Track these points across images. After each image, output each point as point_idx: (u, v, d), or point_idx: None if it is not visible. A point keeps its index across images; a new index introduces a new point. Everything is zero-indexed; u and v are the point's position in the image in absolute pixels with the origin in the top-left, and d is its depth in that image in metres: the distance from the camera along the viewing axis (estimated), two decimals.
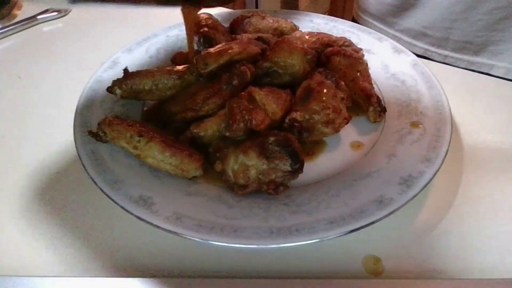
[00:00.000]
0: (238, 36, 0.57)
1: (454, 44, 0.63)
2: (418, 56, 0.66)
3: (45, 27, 0.76)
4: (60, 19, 0.78)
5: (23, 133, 0.55)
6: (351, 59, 0.52)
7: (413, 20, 0.65)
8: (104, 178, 0.42)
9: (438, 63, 0.61)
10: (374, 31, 0.63)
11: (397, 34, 0.68)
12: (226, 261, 0.40)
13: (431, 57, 0.66)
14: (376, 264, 0.39)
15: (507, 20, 0.57)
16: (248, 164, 0.40)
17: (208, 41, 0.56)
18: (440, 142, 0.44)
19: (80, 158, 0.44)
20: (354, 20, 0.80)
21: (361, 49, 0.56)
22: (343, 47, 0.55)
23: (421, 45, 0.66)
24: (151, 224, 0.38)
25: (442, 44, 0.64)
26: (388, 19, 0.69)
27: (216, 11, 0.69)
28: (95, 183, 0.41)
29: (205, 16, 0.61)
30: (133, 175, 0.43)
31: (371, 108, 0.49)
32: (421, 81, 0.53)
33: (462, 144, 0.50)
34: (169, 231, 0.37)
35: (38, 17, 0.76)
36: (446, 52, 0.64)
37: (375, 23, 0.72)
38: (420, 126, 0.47)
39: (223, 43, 0.52)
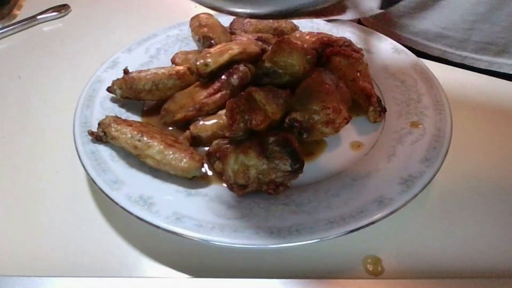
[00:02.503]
0: (238, 36, 0.57)
1: (475, 45, 0.62)
2: (435, 58, 0.64)
3: (45, 27, 0.76)
4: (60, 19, 0.78)
5: (23, 133, 0.55)
6: (351, 59, 0.52)
7: (430, 22, 0.64)
8: (104, 178, 0.42)
9: (437, 63, 0.61)
10: (374, 31, 0.63)
11: (411, 37, 0.67)
12: (226, 261, 0.40)
13: (449, 59, 0.65)
14: (376, 264, 0.39)
15: None
16: (248, 164, 0.40)
17: (208, 41, 0.56)
18: (440, 142, 0.44)
19: (80, 158, 0.44)
20: (360, 23, 0.78)
21: (361, 49, 0.56)
22: (343, 47, 0.55)
23: (439, 47, 0.65)
24: (151, 224, 0.38)
25: (462, 45, 0.63)
26: (400, 22, 0.67)
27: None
28: (95, 183, 0.41)
29: (205, 16, 0.61)
30: (133, 175, 0.43)
31: (371, 108, 0.49)
32: (421, 81, 0.53)
33: (462, 144, 0.50)
34: (169, 231, 0.37)
35: (38, 17, 0.76)
36: (465, 53, 0.63)
37: (385, 27, 0.71)
38: (420, 126, 0.47)
39: (223, 43, 0.52)
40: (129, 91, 0.51)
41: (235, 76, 0.49)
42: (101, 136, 0.45)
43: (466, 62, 0.63)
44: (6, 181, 0.48)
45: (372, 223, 0.37)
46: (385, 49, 0.59)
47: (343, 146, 0.48)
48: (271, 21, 0.62)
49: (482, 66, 0.63)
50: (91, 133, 0.46)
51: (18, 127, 0.56)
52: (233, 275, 0.38)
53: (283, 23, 0.62)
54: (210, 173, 0.45)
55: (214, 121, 0.48)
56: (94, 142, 0.46)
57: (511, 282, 0.36)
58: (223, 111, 0.46)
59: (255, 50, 0.50)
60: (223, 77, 0.49)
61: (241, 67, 0.49)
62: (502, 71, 0.62)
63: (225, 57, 0.48)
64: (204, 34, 0.57)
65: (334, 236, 0.37)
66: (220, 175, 0.44)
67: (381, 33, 0.62)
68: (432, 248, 0.40)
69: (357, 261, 0.39)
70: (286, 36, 0.56)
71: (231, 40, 0.56)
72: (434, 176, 0.41)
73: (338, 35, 0.58)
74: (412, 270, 0.38)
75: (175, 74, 0.51)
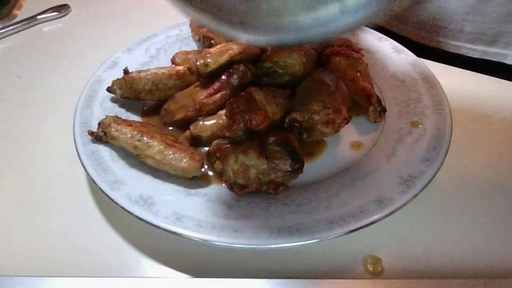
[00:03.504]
0: None
1: (468, 35, 0.65)
2: (433, 48, 0.67)
3: (45, 27, 0.76)
4: (60, 19, 0.78)
5: (23, 133, 0.55)
6: (351, 59, 0.52)
7: (426, 14, 0.66)
8: (104, 178, 0.42)
9: (436, 63, 0.61)
10: (374, 31, 0.63)
11: (411, 29, 0.69)
12: (226, 261, 0.40)
13: (445, 48, 0.68)
14: (376, 264, 0.39)
15: None
16: (248, 164, 0.40)
17: (208, 41, 0.56)
18: (440, 142, 0.44)
19: (80, 158, 0.44)
20: None
21: (361, 49, 0.56)
22: (343, 47, 0.55)
23: (436, 38, 0.68)
24: (151, 224, 0.38)
25: (457, 36, 0.66)
26: (400, 14, 0.69)
27: None
28: (95, 183, 0.41)
29: None
30: (133, 175, 0.43)
31: (371, 108, 0.49)
32: (421, 81, 0.53)
33: (462, 144, 0.50)
34: (169, 231, 0.37)
35: (38, 17, 0.76)
36: (460, 44, 0.66)
37: (388, 19, 0.73)
38: (420, 126, 0.47)
39: (223, 44, 0.52)
40: (129, 91, 0.51)
41: (235, 76, 0.49)
42: (101, 136, 0.45)
43: (462, 52, 0.66)
44: (6, 181, 0.48)
45: (372, 223, 0.37)
46: (385, 49, 0.59)
47: (343, 146, 0.48)
48: None
49: (476, 55, 0.65)
50: (91, 133, 0.46)
51: (18, 127, 0.56)
52: (233, 275, 0.38)
53: None
54: (210, 173, 0.45)
55: (214, 121, 0.48)
56: (94, 142, 0.46)
57: (511, 282, 0.36)
58: (223, 111, 0.46)
59: (255, 50, 0.50)
60: (223, 77, 0.49)
61: (241, 67, 0.49)
62: (494, 59, 0.64)
63: (225, 57, 0.48)
64: (204, 34, 0.57)
65: (334, 236, 0.37)
66: (220, 175, 0.44)
67: (382, 24, 0.63)
68: (432, 248, 0.40)
69: (357, 261, 0.39)
70: None
71: (231, 40, 0.56)
72: (434, 176, 0.41)
73: None
74: (412, 270, 0.38)
75: (175, 74, 0.51)
